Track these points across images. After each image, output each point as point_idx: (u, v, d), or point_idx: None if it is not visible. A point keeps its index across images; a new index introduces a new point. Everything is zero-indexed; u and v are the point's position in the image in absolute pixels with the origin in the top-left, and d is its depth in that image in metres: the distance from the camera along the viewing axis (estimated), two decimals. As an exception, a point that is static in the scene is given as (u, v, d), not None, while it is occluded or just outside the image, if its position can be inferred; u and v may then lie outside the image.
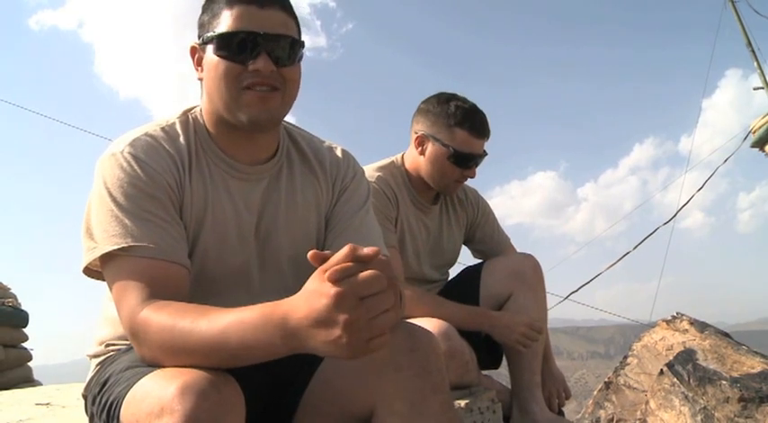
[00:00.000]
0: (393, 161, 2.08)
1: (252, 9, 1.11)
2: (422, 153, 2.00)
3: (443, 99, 1.99)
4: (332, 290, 0.78)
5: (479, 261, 2.22)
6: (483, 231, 2.25)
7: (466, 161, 1.98)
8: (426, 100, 2.04)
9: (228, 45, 1.11)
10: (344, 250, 0.80)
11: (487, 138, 2.01)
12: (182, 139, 1.18)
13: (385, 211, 1.91)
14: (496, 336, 1.94)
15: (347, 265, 0.79)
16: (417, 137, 2.00)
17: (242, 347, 0.87)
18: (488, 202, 2.31)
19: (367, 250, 0.80)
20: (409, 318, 1.72)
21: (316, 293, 0.80)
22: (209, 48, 1.14)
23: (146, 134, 1.15)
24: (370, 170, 1.97)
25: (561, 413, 2.15)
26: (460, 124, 1.95)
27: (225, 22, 1.12)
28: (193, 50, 1.20)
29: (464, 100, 2.00)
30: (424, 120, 2.00)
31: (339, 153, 1.35)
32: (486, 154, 2.02)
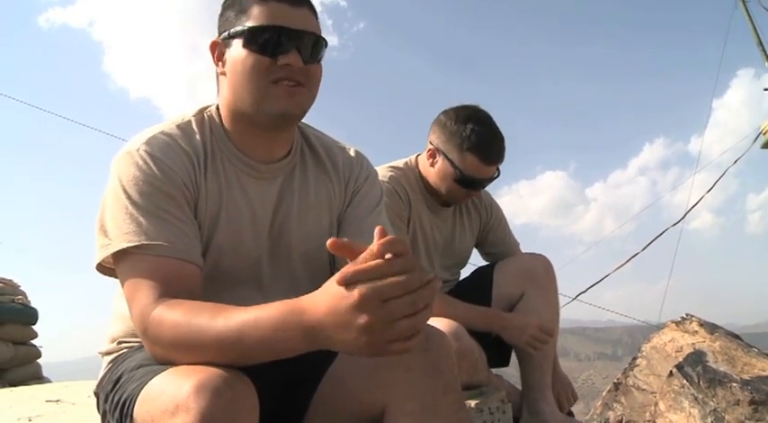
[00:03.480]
0: (407, 162, 2.07)
1: (284, 6, 1.13)
2: (432, 165, 1.99)
3: (462, 118, 1.93)
4: (354, 291, 0.77)
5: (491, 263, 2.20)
6: (495, 235, 2.25)
7: (473, 184, 1.95)
8: (447, 112, 1.99)
9: (259, 39, 1.11)
10: (371, 248, 0.79)
11: (500, 163, 1.96)
12: (197, 136, 1.18)
13: (397, 210, 1.91)
14: (507, 337, 1.94)
15: (360, 268, 0.78)
16: (430, 149, 1.98)
17: (259, 345, 0.88)
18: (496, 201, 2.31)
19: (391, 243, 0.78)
20: None
21: (337, 294, 0.79)
22: (236, 42, 1.14)
23: (162, 132, 1.15)
24: (384, 170, 1.97)
25: (571, 414, 2.14)
26: (472, 150, 1.90)
27: (256, 16, 1.12)
28: (214, 46, 1.20)
29: (483, 122, 1.94)
30: (440, 134, 1.97)
31: (352, 153, 1.35)
32: (498, 175, 1.98)
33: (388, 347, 0.79)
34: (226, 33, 1.16)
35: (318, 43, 1.15)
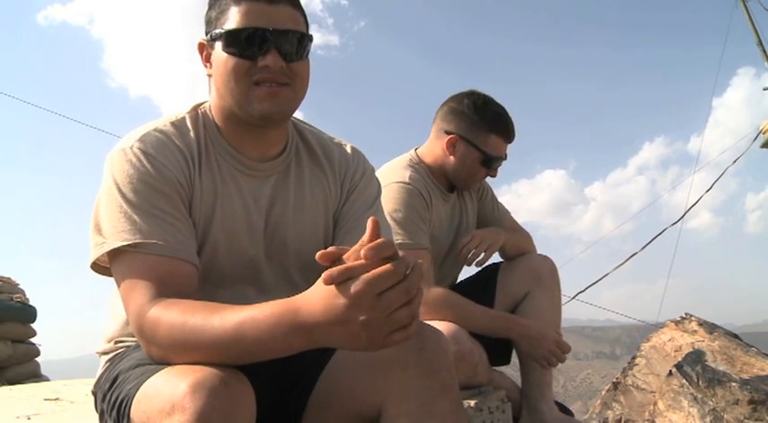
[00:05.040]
0: (410, 158, 2.06)
1: (260, 5, 1.11)
2: (452, 153, 2.01)
3: (480, 103, 2.01)
4: (348, 289, 0.78)
5: (495, 262, 2.18)
6: (491, 206, 2.25)
7: (495, 164, 2.03)
8: (458, 100, 2.04)
9: (237, 41, 1.10)
10: (363, 240, 0.80)
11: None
12: (191, 134, 1.17)
13: (422, 212, 1.91)
14: (524, 346, 1.92)
15: (349, 266, 0.79)
16: (450, 138, 2.00)
17: (256, 344, 0.87)
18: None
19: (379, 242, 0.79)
20: (435, 319, 1.71)
21: (331, 292, 0.80)
22: (218, 44, 1.13)
23: (155, 129, 1.14)
24: (401, 169, 1.97)
25: (570, 413, 2.14)
26: (496, 132, 1.99)
27: (233, 18, 1.11)
28: (201, 46, 1.19)
29: (497, 104, 2.04)
30: (459, 122, 2.00)
31: (348, 150, 1.34)
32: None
33: (389, 339, 0.80)
34: (208, 35, 1.16)
35: (301, 40, 1.13)
